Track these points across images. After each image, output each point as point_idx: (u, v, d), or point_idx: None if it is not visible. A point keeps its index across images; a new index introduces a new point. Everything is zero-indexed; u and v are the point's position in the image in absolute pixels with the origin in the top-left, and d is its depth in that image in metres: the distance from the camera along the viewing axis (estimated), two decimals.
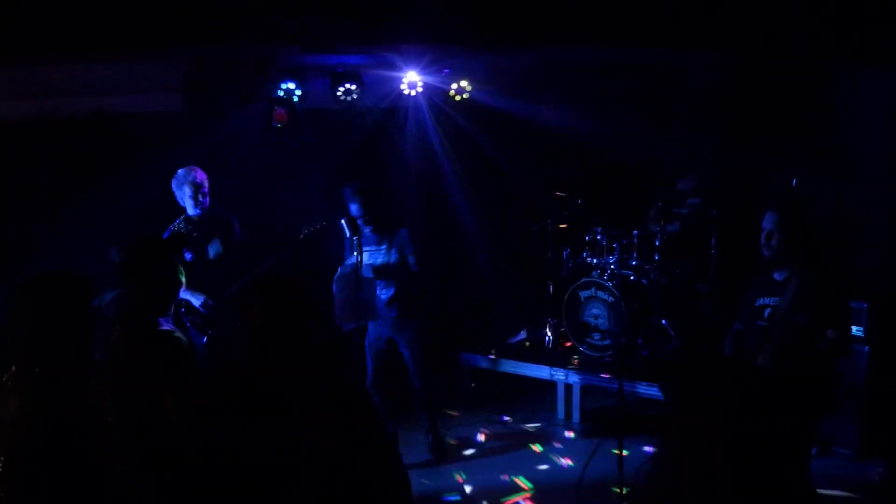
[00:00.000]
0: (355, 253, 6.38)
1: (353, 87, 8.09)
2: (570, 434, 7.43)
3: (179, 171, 6.51)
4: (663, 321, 8.15)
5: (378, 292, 6.57)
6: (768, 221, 4.94)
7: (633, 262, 8.31)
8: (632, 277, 8.26)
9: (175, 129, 7.65)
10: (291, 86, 8.02)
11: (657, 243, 8.26)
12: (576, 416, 7.70)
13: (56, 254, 6.63)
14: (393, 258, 6.62)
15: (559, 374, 7.80)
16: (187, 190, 6.43)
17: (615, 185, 9.09)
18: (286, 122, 8.02)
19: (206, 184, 6.50)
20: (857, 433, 6.50)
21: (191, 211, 6.50)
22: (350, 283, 6.35)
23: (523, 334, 8.79)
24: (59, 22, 6.19)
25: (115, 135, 7.64)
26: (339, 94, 8.10)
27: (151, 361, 3.72)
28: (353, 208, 6.62)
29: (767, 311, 4.96)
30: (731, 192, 8.24)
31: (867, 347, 6.48)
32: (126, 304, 4.16)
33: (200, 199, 6.45)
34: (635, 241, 8.29)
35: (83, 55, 6.77)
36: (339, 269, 6.50)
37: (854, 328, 6.46)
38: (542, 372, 7.94)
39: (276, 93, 7.99)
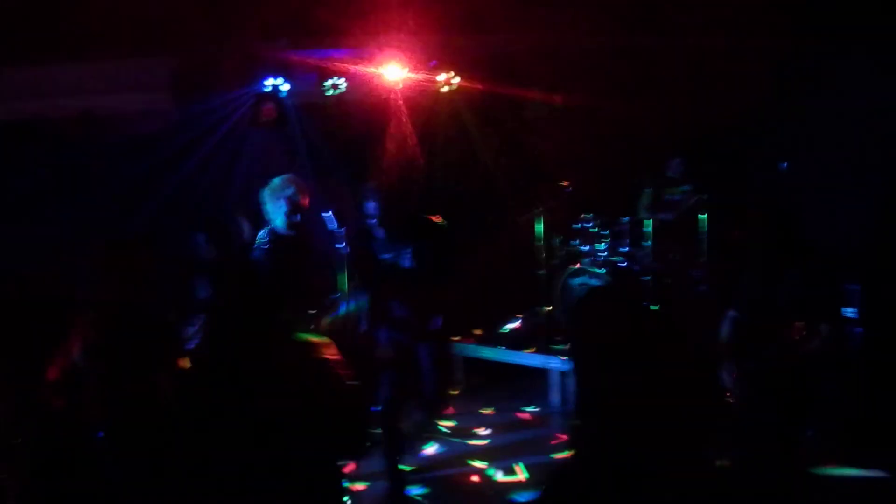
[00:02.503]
0: (341, 244, 6.29)
1: (341, 81, 8.09)
2: (564, 421, 7.48)
3: (275, 180, 5.78)
4: (655, 307, 8.18)
5: None
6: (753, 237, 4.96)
7: (624, 249, 8.34)
8: (622, 264, 8.29)
9: (164, 127, 7.63)
10: (278, 81, 8.01)
11: (648, 230, 8.29)
12: (570, 404, 7.72)
13: (45, 255, 6.63)
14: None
15: (552, 362, 7.83)
16: (283, 206, 5.72)
17: (605, 171, 9.09)
18: (273, 117, 8.02)
19: (306, 201, 5.77)
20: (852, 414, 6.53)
21: (280, 227, 5.80)
22: None
23: (516, 323, 8.81)
24: (45, 23, 6.16)
25: (104, 135, 7.59)
26: (326, 88, 8.09)
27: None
28: (370, 207, 6.01)
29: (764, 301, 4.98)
30: (720, 176, 8.26)
31: (861, 329, 6.51)
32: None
33: (296, 218, 5.74)
34: (626, 227, 8.32)
35: (69, 56, 6.74)
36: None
37: (848, 310, 6.51)
38: (535, 360, 7.96)
39: (263, 88, 7.97)
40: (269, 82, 7.97)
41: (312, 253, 6.09)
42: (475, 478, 6.41)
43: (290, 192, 5.69)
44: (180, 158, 7.65)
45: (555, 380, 7.84)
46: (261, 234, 5.86)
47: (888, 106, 7.31)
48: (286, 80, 8.04)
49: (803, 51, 7.54)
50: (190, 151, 7.71)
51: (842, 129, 7.73)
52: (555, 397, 7.84)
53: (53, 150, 7.40)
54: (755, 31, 6.86)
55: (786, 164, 7.33)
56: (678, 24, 6.85)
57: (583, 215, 8.53)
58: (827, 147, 7.86)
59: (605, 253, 8.32)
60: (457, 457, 6.80)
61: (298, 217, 5.72)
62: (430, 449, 6.90)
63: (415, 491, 6.12)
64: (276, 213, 5.74)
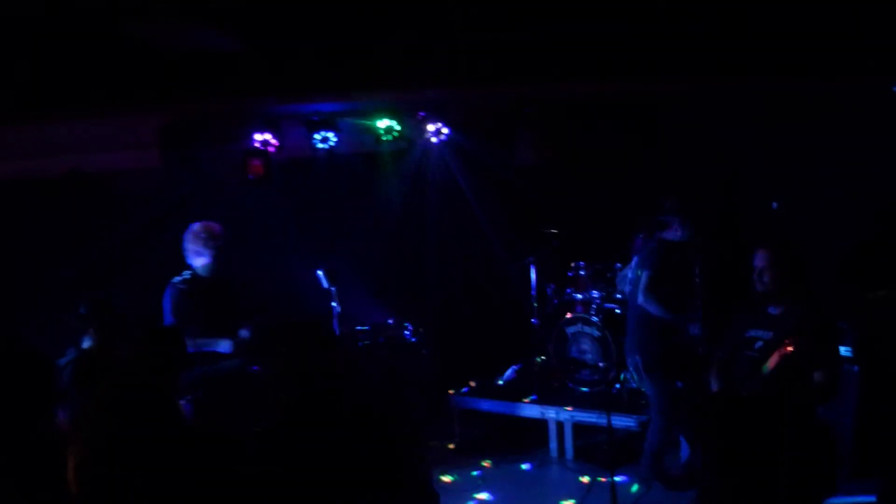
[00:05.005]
0: (334, 303, 6.26)
1: (330, 134, 8.10)
2: (564, 471, 7.39)
3: (194, 224, 6.16)
4: None
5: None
6: (760, 259, 4.87)
7: (619, 296, 8.28)
8: (617, 311, 8.23)
9: (152, 184, 7.60)
10: (267, 136, 7.98)
11: None
12: (569, 454, 7.60)
13: (35, 316, 6.55)
14: None
15: (550, 413, 7.72)
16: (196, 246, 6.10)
17: (596, 218, 9.07)
18: (261, 173, 7.97)
19: (222, 241, 6.16)
20: (850, 452, 6.43)
21: (199, 270, 6.18)
22: None
23: (512, 373, 8.72)
24: (31, 81, 6.14)
25: (92, 193, 7.53)
26: (315, 142, 8.10)
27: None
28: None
29: (759, 343, 4.90)
30: (712, 218, 8.24)
31: (857, 367, 6.44)
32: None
33: (215, 257, 6.13)
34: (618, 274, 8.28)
35: (56, 114, 6.71)
36: None
37: (843, 349, 6.43)
38: (532, 411, 7.86)
39: (252, 143, 7.95)
40: (258, 137, 7.96)
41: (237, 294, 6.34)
42: None
43: (207, 233, 6.07)
44: (169, 217, 7.57)
45: (552, 430, 7.73)
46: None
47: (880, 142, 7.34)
48: (274, 136, 8.03)
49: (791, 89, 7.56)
50: (179, 210, 7.64)
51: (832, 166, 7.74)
52: (553, 448, 7.72)
53: (41, 209, 7.34)
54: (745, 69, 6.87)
55: (776, 204, 7.32)
56: (667, 67, 6.87)
57: (573, 263, 8.48)
58: (817, 186, 7.86)
59: (599, 300, 8.27)
60: None
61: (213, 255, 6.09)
62: None
63: None
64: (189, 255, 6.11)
